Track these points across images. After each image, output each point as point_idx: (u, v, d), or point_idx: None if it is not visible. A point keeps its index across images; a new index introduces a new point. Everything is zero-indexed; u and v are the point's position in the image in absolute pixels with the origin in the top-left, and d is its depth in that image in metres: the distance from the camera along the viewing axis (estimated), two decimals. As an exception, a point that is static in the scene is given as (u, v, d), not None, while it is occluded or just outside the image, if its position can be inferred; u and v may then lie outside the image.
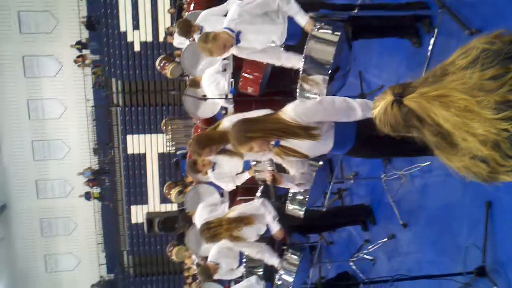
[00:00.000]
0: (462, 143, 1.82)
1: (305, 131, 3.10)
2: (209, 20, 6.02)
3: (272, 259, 5.42)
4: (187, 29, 6.00)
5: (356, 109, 3.12)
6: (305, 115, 3.12)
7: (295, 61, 4.44)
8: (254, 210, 5.25)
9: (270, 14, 4.14)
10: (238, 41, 4.26)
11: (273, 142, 3.22)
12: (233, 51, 4.54)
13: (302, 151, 3.28)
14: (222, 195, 7.50)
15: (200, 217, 6.76)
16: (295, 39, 4.32)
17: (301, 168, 3.67)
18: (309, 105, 3.21)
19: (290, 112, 3.14)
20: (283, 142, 3.25)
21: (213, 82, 6.39)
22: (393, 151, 3.74)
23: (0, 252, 22.04)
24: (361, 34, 4.48)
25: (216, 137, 4.33)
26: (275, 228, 5.25)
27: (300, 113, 3.13)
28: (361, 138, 3.27)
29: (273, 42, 4.27)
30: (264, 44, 4.30)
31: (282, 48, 4.46)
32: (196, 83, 6.88)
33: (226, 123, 4.47)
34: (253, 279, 5.86)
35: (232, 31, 4.20)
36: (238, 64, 6.00)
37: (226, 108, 6.96)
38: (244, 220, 5.13)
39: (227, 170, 6.02)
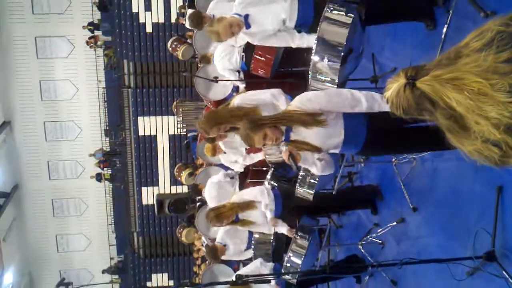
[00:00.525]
0: (475, 126, 1.81)
1: (311, 117, 3.18)
2: (219, 9, 5.99)
3: (282, 228, 5.47)
4: (198, 20, 5.96)
5: (361, 100, 3.17)
6: (309, 102, 3.23)
7: (308, 41, 4.42)
8: (255, 196, 5.32)
9: None
10: (248, 25, 4.24)
11: (283, 138, 3.30)
12: (247, 38, 4.51)
13: (314, 142, 3.31)
14: (232, 177, 7.52)
15: (209, 193, 6.77)
16: (307, 25, 4.29)
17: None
18: (313, 93, 3.31)
19: (295, 102, 3.28)
20: (293, 136, 3.31)
21: (226, 55, 6.34)
22: (407, 147, 3.73)
23: (12, 232, 22.30)
24: (374, 20, 4.43)
25: (225, 115, 4.31)
26: (268, 216, 5.32)
27: (304, 101, 3.24)
28: (373, 132, 3.27)
29: (284, 21, 4.24)
30: (275, 25, 4.27)
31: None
32: (207, 59, 6.85)
33: (237, 100, 4.46)
34: (257, 262, 5.92)
35: (239, 15, 4.17)
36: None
37: (237, 88, 6.93)
38: (246, 205, 5.21)
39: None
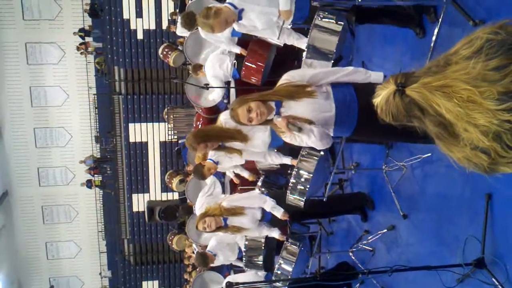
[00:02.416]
0: (464, 133, 1.81)
1: (299, 88, 3.19)
2: None
3: (273, 233, 5.46)
4: (191, 21, 5.97)
5: (345, 69, 3.28)
6: (298, 75, 3.26)
7: (294, 39, 4.45)
8: (247, 201, 5.29)
9: None
10: (239, 18, 4.23)
11: (273, 113, 3.25)
12: (234, 26, 4.51)
13: (305, 115, 3.25)
14: (223, 184, 7.51)
15: (199, 206, 6.78)
16: (302, 16, 4.30)
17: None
18: (301, 69, 3.41)
19: (284, 76, 3.28)
20: (284, 112, 3.26)
21: (217, 62, 6.36)
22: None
23: (1, 239, 22.12)
24: (364, 20, 4.47)
25: (213, 133, 4.31)
26: (278, 213, 5.28)
27: (293, 74, 3.27)
28: (365, 109, 3.20)
29: (277, 22, 4.27)
30: (265, 25, 4.29)
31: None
32: (198, 68, 6.85)
33: (223, 117, 4.46)
34: (251, 272, 5.92)
35: (236, 7, 4.16)
36: (243, 47, 5.99)
37: (228, 97, 6.94)
38: (235, 211, 5.19)
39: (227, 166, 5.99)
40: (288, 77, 3.25)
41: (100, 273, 23.09)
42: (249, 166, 6.29)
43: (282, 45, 4.73)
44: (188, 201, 8.85)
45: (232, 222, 5.25)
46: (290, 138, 3.39)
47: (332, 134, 3.42)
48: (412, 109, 1.92)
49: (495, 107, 1.70)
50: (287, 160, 5.11)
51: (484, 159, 1.81)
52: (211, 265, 6.49)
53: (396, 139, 4.53)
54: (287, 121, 3.20)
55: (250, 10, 4.18)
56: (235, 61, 6.22)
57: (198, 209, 6.72)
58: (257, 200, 5.33)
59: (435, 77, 1.85)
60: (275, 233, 5.50)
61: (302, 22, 4.43)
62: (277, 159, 5.12)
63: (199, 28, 6.16)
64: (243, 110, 3.21)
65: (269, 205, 5.30)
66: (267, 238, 5.77)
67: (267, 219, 5.44)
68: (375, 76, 3.27)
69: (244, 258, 6.09)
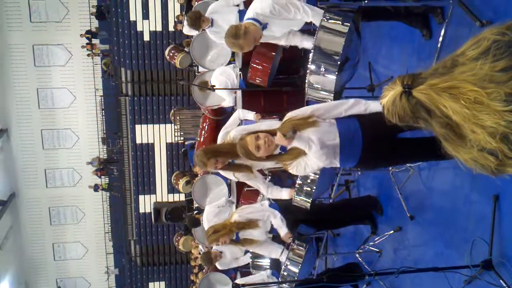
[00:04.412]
0: (471, 135, 1.81)
1: (302, 119, 3.34)
2: (219, 12, 6.01)
3: (280, 229, 5.45)
4: (197, 21, 5.98)
5: (345, 102, 3.41)
6: (300, 111, 3.41)
7: (299, 40, 4.47)
8: (259, 214, 5.29)
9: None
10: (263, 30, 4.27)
11: (278, 150, 3.45)
12: None
13: None
14: (229, 186, 7.51)
15: (207, 218, 6.81)
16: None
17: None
18: (302, 108, 3.50)
19: (287, 114, 3.46)
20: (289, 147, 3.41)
21: (223, 76, 6.44)
22: (405, 155, 3.72)
23: (9, 240, 22.21)
24: (371, 17, 4.48)
25: (223, 150, 4.29)
26: (282, 232, 5.29)
27: (295, 111, 3.43)
28: (369, 139, 3.28)
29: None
30: (282, 33, 4.38)
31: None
32: (205, 84, 6.85)
33: (233, 133, 4.45)
34: (264, 274, 5.92)
35: (260, 23, 4.16)
36: (247, 58, 6.00)
37: (235, 101, 6.96)
38: (249, 225, 5.19)
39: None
40: (291, 114, 3.41)
41: (107, 271, 23.09)
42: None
43: (288, 46, 4.72)
44: (194, 203, 8.85)
45: (243, 235, 5.27)
46: (295, 167, 3.48)
47: (338, 165, 3.51)
48: (419, 111, 1.92)
49: (502, 108, 1.70)
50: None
51: (492, 160, 1.81)
52: (218, 267, 6.48)
53: (400, 161, 4.53)
54: (282, 133, 3.29)
55: (273, 24, 4.20)
56: (240, 72, 6.28)
57: (206, 222, 6.73)
58: (268, 213, 5.34)
59: (442, 78, 1.85)
60: (282, 231, 5.50)
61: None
62: None
63: (207, 30, 6.20)
64: (252, 138, 3.39)
65: (278, 222, 5.31)
66: (273, 238, 5.76)
67: (274, 232, 5.46)
68: (374, 105, 3.33)
69: (250, 260, 6.09)
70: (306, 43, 4.45)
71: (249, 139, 3.40)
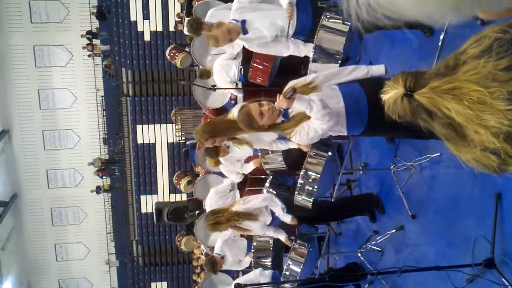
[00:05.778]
0: (474, 135, 1.80)
1: (303, 87, 3.33)
2: (218, 16, 6.01)
3: (280, 236, 5.44)
4: (197, 26, 5.97)
5: (346, 67, 3.42)
6: (300, 80, 3.42)
7: (303, 49, 4.44)
8: (259, 205, 5.26)
9: None
10: (245, 31, 4.24)
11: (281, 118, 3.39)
12: (244, 43, 4.51)
13: None
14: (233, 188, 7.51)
15: (210, 202, 6.76)
16: (304, 35, 4.30)
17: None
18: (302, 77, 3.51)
19: (288, 84, 3.42)
20: (291, 113, 3.39)
21: (223, 69, 6.39)
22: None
23: (11, 241, 22.23)
24: None
25: (222, 127, 4.28)
26: (287, 219, 5.27)
27: (295, 80, 3.43)
28: (372, 97, 3.19)
29: (281, 28, 4.25)
30: (272, 31, 4.28)
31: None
32: (206, 74, 6.86)
33: (235, 111, 4.46)
34: (257, 271, 5.89)
35: (237, 20, 4.18)
36: (248, 54, 5.99)
37: (236, 98, 6.95)
38: (249, 217, 5.17)
39: (239, 155, 6.01)
40: (291, 83, 3.39)
41: (108, 262, 23.06)
42: (257, 170, 6.30)
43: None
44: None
45: (241, 224, 5.24)
46: (298, 132, 3.38)
47: (345, 133, 3.45)
48: (420, 113, 1.91)
49: (505, 107, 1.69)
50: (293, 145, 5.02)
51: (494, 160, 1.80)
52: (223, 268, 6.48)
53: (408, 134, 4.49)
54: (282, 95, 3.21)
55: (251, 19, 4.19)
56: (241, 66, 6.25)
57: (208, 206, 6.70)
58: (270, 202, 5.31)
59: (444, 80, 1.84)
60: (282, 236, 5.48)
61: (304, 39, 4.40)
62: (282, 146, 5.01)
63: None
64: (255, 105, 3.36)
65: (280, 211, 5.28)
66: (274, 238, 5.76)
67: (276, 224, 5.43)
68: (376, 69, 3.30)
69: (252, 259, 6.08)
70: (304, 49, 4.42)
71: (252, 105, 3.37)
